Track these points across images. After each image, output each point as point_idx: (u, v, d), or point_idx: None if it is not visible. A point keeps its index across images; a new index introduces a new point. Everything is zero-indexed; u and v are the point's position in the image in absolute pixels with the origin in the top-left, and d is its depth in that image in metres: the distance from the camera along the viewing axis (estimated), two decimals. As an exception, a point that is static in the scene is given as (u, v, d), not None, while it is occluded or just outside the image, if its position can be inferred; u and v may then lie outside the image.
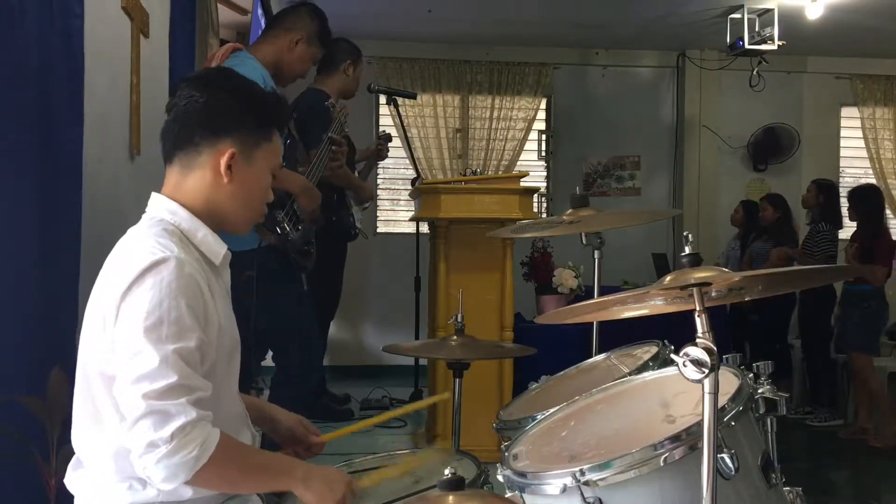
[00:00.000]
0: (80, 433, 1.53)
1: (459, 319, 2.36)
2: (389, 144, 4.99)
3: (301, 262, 3.08)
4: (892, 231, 5.82)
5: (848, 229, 5.73)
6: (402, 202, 7.21)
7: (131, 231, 1.57)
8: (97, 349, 1.48)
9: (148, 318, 1.40)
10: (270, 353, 3.35)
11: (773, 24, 6.01)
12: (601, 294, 1.78)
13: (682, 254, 1.44)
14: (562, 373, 2.35)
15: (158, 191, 1.62)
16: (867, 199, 5.30)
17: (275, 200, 2.91)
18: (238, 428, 1.64)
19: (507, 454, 1.69)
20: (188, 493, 1.47)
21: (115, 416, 1.45)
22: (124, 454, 1.43)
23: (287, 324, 3.10)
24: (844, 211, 5.77)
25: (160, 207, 1.59)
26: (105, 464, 1.49)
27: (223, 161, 1.57)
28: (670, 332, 2.01)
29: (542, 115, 7.33)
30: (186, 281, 1.45)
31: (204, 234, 1.59)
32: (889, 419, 5.08)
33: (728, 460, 1.35)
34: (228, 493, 1.56)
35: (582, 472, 1.43)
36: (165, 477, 1.38)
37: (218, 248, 1.61)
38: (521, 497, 1.54)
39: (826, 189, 5.72)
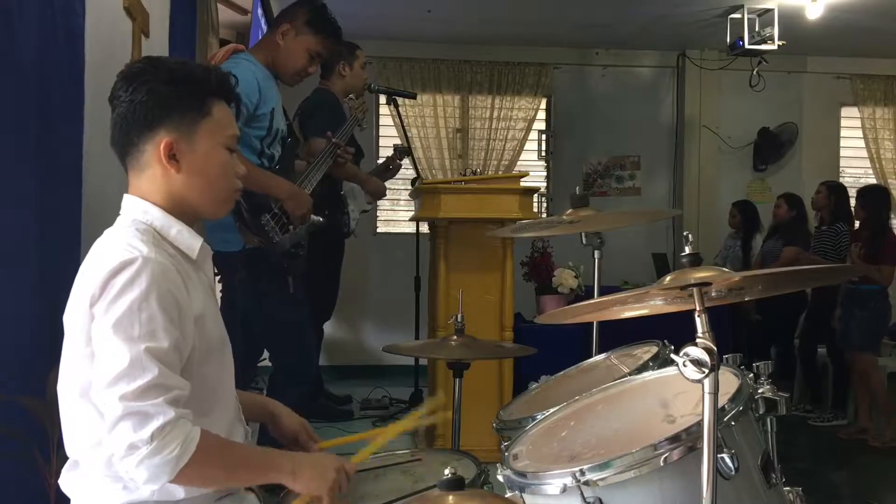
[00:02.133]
0: (70, 438, 1.53)
1: (459, 319, 2.36)
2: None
3: (286, 264, 3.06)
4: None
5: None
6: (402, 202, 7.21)
7: (106, 233, 1.57)
8: (75, 355, 1.48)
9: (119, 320, 1.40)
10: (267, 354, 3.36)
11: (773, 24, 6.01)
12: (601, 294, 1.78)
13: (682, 254, 1.44)
14: (562, 373, 2.35)
15: None
16: (875, 199, 5.27)
17: (259, 205, 2.94)
18: (232, 423, 1.64)
19: (507, 454, 1.69)
20: (181, 492, 1.47)
21: (98, 421, 1.44)
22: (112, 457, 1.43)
23: (278, 324, 3.11)
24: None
25: (133, 207, 1.58)
26: (98, 466, 1.49)
27: (162, 152, 1.54)
28: (670, 332, 2.01)
29: (542, 115, 7.34)
30: (156, 280, 1.44)
31: (178, 230, 1.58)
32: (888, 419, 5.08)
33: (728, 460, 1.35)
34: (221, 489, 1.55)
35: (582, 472, 1.43)
36: (148, 478, 1.37)
37: (193, 243, 1.60)
38: (521, 497, 1.54)
39: (836, 190, 5.71)
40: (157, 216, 1.57)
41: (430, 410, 2.00)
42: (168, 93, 1.55)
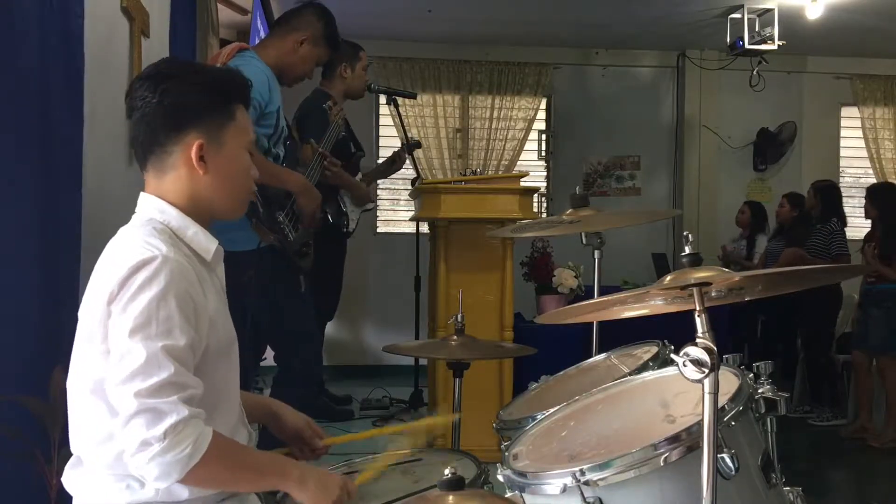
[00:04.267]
0: (77, 435, 1.53)
1: (459, 319, 2.36)
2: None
3: (298, 262, 3.08)
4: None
5: (853, 228, 5.69)
6: (402, 202, 7.21)
7: (121, 231, 1.57)
8: (90, 352, 1.48)
9: (137, 318, 1.40)
10: (271, 354, 3.35)
11: (773, 24, 6.01)
12: (601, 294, 1.78)
13: (682, 254, 1.44)
14: (562, 373, 2.36)
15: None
16: (886, 197, 5.20)
17: (275, 201, 2.94)
18: (235, 426, 1.64)
19: (507, 454, 1.69)
20: (185, 493, 1.47)
21: (109, 417, 1.45)
22: (121, 454, 1.43)
23: (288, 324, 3.10)
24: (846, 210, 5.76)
25: (150, 207, 1.58)
26: (103, 463, 1.49)
27: (193, 154, 1.55)
28: (670, 332, 2.01)
29: (542, 115, 7.33)
30: (175, 279, 1.44)
31: (194, 232, 1.58)
32: (893, 421, 5.06)
33: (728, 460, 1.35)
34: (225, 491, 1.56)
35: (582, 472, 1.43)
36: (159, 475, 1.38)
37: (208, 245, 1.61)
38: (521, 497, 1.54)
39: (821, 190, 5.69)
40: (174, 216, 1.57)
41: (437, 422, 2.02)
42: (198, 97, 1.57)
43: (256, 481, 1.53)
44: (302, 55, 3.15)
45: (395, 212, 7.30)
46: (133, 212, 1.62)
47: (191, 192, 1.58)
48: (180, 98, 1.55)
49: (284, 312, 3.08)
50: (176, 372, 1.39)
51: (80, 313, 1.52)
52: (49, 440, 1.85)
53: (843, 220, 5.57)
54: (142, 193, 1.61)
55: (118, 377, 1.39)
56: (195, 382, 1.43)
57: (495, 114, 7.12)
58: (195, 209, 1.59)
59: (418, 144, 4.89)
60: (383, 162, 5.10)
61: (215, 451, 1.41)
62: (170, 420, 1.36)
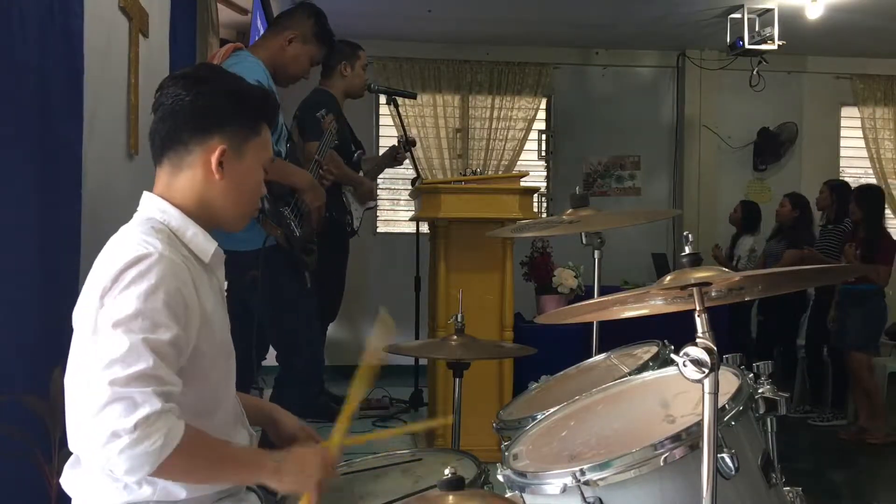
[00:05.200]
0: (75, 434, 1.53)
1: (459, 319, 2.36)
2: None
3: (305, 259, 3.08)
4: (891, 231, 5.82)
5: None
6: (402, 202, 7.22)
7: (121, 230, 1.58)
8: (85, 349, 1.47)
9: (124, 310, 1.40)
10: (273, 353, 3.35)
11: (773, 24, 6.02)
12: (601, 294, 1.78)
13: (682, 254, 1.44)
14: (562, 373, 2.36)
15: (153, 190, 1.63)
16: (871, 199, 5.26)
17: (279, 196, 2.94)
18: (235, 427, 1.64)
19: (507, 454, 1.69)
20: (183, 493, 1.47)
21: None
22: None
23: (292, 323, 3.10)
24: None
25: (151, 206, 1.59)
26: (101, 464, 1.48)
27: (214, 158, 1.57)
28: (670, 332, 2.01)
29: (542, 114, 7.34)
30: (167, 277, 1.45)
31: (193, 233, 1.59)
32: (883, 416, 5.09)
33: (728, 460, 1.35)
34: (222, 490, 1.55)
35: (582, 472, 1.43)
36: (128, 468, 1.36)
37: (207, 247, 1.61)
38: (521, 497, 1.54)
39: (838, 189, 5.70)
40: (174, 216, 1.58)
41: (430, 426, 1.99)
42: (231, 105, 1.60)
43: (231, 475, 1.52)
44: (292, 53, 3.15)
45: (395, 212, 7.30)
46: (132, 211, 1.63)
47: (201, 194, 1.59)
48: (213, 102, 1.58)
49: (289, 311, 3.08)
50: (154, 365, 1.38)
51: (75, 313, 1.52)
52: (50, 440, 1.85)
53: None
54: (145, 193, 1.62)
55: (97, 365, 1.38)
56: (174, 379, 1.42)
57: (495, 114, 7.12)
58: (200, 212, 1.60)
59: (412, 143, 4.90)
60: (381, 156, 5.10)
61: (188, 444, 1.39)
62: (142, 411, 1.34)
